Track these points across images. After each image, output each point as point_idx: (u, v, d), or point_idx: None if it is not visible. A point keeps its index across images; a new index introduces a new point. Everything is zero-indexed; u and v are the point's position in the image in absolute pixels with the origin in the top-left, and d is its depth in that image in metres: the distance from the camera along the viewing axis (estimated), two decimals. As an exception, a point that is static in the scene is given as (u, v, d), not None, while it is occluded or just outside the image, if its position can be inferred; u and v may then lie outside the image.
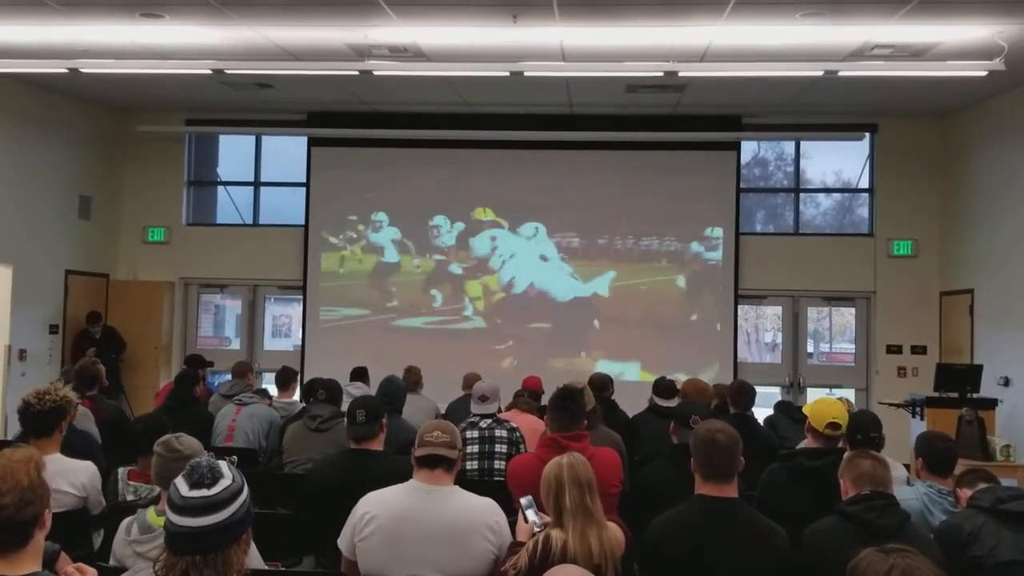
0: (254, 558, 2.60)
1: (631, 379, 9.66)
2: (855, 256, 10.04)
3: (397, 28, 6.87)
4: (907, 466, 4.66)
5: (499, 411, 4.99)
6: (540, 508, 2.91)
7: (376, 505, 3.01)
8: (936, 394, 7.53)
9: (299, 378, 8.01)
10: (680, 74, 7.35)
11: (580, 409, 3.80)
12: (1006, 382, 8.16)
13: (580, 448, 3.43)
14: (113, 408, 5.93)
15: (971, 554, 3.12)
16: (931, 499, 3.66)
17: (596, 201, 10.13)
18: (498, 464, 4.55)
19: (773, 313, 10.55)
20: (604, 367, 8.84)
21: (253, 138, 10.87)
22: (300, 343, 10.46)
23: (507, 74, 7.48)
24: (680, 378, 6.93)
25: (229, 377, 7.22)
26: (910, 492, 3.75)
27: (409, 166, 10.30)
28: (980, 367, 7.78)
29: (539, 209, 10.19)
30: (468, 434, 4.62)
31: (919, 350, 9.77)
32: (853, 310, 10.32)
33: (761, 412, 6.02)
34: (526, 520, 2.92)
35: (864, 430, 3.86)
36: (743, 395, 5.56)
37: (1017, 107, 8.36)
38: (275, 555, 3.60)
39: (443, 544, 2.91)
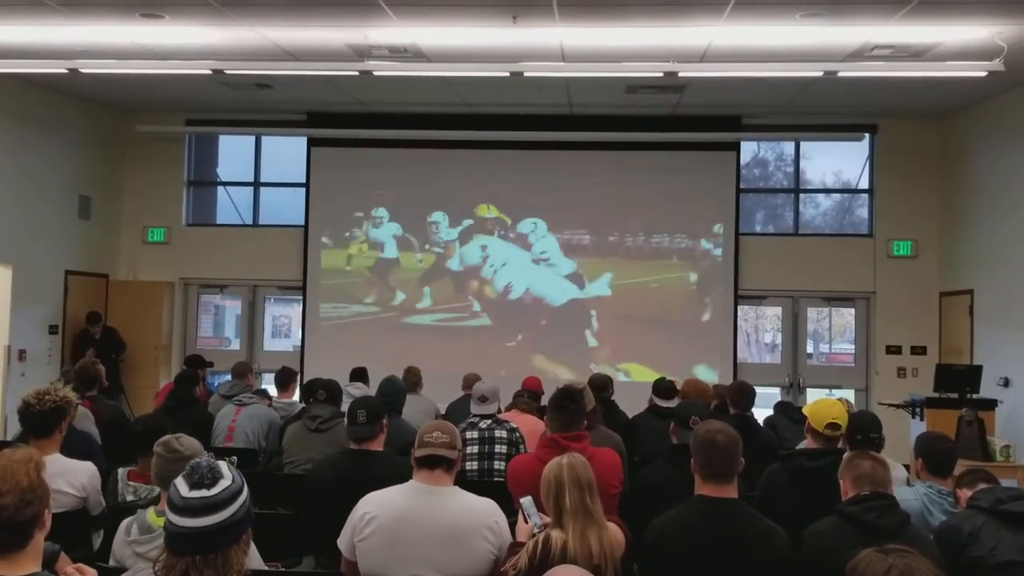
0: (254, 558, 2.60)
1: (624, 379, 9.68)
2: (855, 256, 10.04)
3: (397, 28, 6.87)
4: (907, 467, 4.66)
5: (499, 411, 4.99)
6: (540, 508, 2.91)
7: (376, 505, 3.01)
8: (936, 395, 7.53)
9: (299, 378, 8.01)
10: (680, 74, 7.35)
11: (580, 410, 3.80)
12: (1006, 383, 8.16)
13: (580, 448, 3.43)
14: (113, 408, 5.93)
15: (971, 554, 3.12)
16: (931, 500, 3.66)
17: (596, 201, 10.13)
18: (498, 464, 4.55)
19: (773, 313, 10.55)
20: (602, 368, 8.86)
21: (253, 138, 10.88)
22: (300, 343, 10.46)
23: (507, 74, 7.48)
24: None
25: (229, 377, 7.23)
26: (910, 493, 3.75)
27: (409, 167, 10.30)
28: (980, 368, 7.78)
29: (538, 209, 10.20)
30: (468, 435, 4.62)
31: (919, 351, 9.77)
32: (853, 310, 10.32)
33: (761, 413, 6.02)
34: (526, 520, 2.92)
35: (864, 431, 3.86)
36: (743, 396, 5.56)
37: (1017, 107, 8.36)
38: (275, 555, 3.60)
39: (443, 544, 2.91)
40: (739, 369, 9.83)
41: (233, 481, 2.12)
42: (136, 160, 10.68)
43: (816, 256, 10.07)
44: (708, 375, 9.37)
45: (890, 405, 7.97)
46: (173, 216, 10.76)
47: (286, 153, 10.84)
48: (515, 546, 2.86)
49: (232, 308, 11.07)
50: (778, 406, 6.57)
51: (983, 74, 6.99)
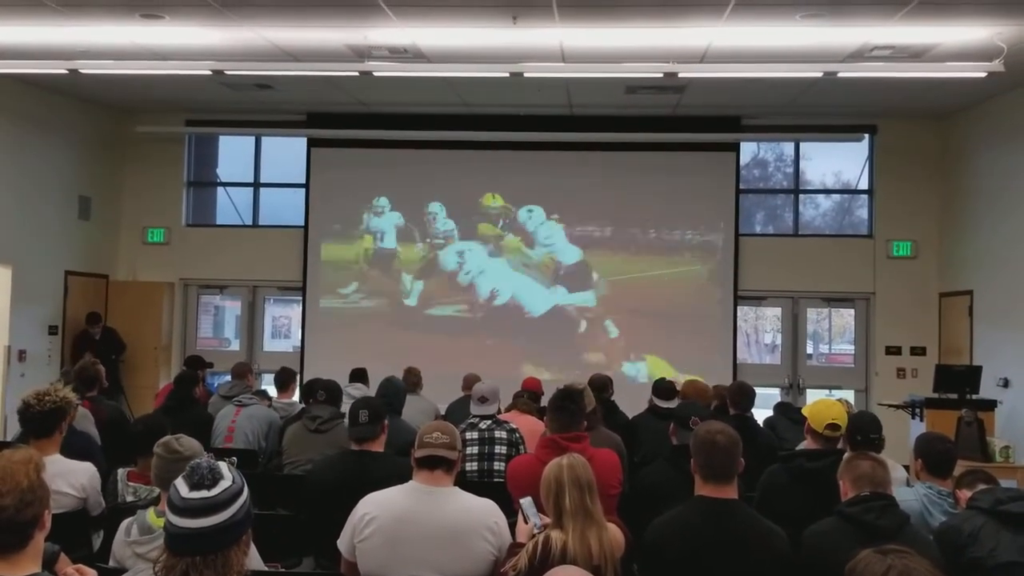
0: (254, 559, 2.60)
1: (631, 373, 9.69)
2: (854, 257, 10.04)
3: (397, 29, 6.87)
4: (906, 467, 4.67)
5: (499, 412, 4.99)
6: (540, 509, 2.91)
7: (376, 506, 3.01)
8: (935, 395, 7.53)
9: (298, 379, 8.01)
10: (680, 75, 7.35)
11: (580, 410, 3.80)
12: (1005, 383, 8.17)
13: (580, 449, 3.43)
14: (113, 409, 5.93)
15: (971, 555, 3.12)
16: (930, 500, 3.66)
17: (595, 202, 10.14)
18: (497, 465, 4.55)
19: (772, 314, 10.55)
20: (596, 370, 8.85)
21: (253, 139, 10.87)
22: (300, 344, 10.46)
23: (507, 75, 7.48)
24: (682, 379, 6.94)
25: (229, 378, 7.22)
26: (909, 493, 3.75)
27: (408, 167, 10.30)
28: (979, 368, 7.78)
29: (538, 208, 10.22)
30: (467, 435, 4.62)
31: (918, 351, 9.77)
32: (852, 311, 10.32)
33: (761, 413, 6.03)
34: (526, 521, 2.92)
35: (864, 431, 3.86)
36: (743, 396, 5.56)
37: (1016, 108, 8.36)
38: (275, 556, 3.61)
39: (443, 545, 2.92)
40: (739, 370, 9.83)
41: (233, 482, 2.12)
42: (136, 160, 10.68)
43: (816, 257, 10.07)
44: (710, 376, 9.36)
45: (890, 406, 7.97)
46: (173, 217, 10.76)
47: (286, 153, 10.84)
48: (515, 547, 2.86)
49: (232, 309, 11.07)
50: (778, 407, 6.58)
51: (983, 75, 7.00)
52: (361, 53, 7.41)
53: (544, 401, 5.20)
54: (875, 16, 6.41)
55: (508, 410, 5.44)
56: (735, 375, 9.50)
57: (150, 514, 2.89)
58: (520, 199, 10.23)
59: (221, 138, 11.24)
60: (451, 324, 10.20)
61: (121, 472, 3.88)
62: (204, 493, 2.06)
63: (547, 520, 2.84)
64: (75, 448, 4.04)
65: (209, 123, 10.56)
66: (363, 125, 10.11)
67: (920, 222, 9.89)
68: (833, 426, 3.92)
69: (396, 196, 10.38)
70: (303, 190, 10.52)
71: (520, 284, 10.17)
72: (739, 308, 10.07)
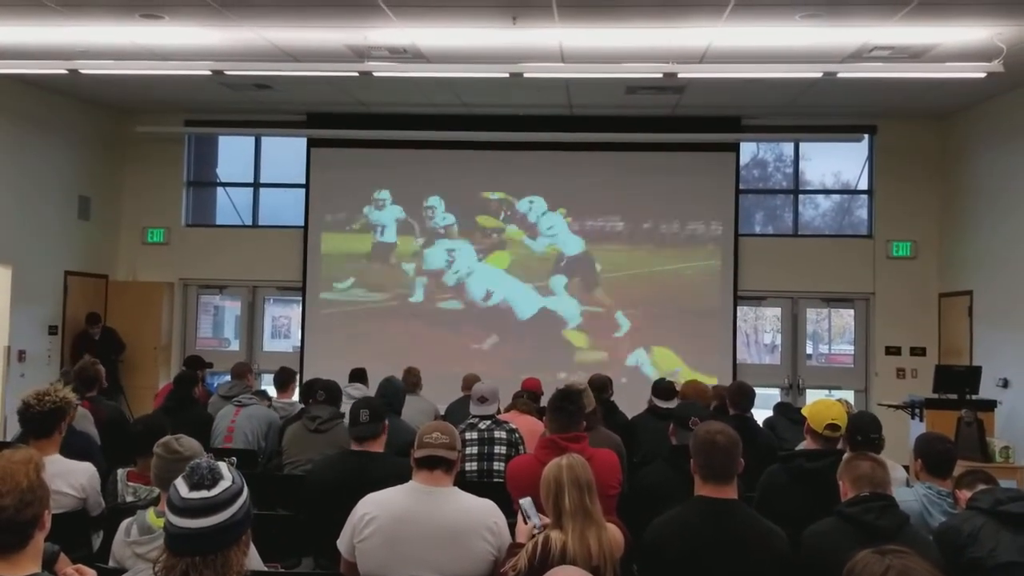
0: (253, 559, 2.60)
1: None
2: (854, 257, 10.05)
3: (396, 29, 6.87)
4: (906, 467, 4.67)
5: (498, 412, 4.99)
6: (539, 509, 2.92)
7: (375, 506, 3.01)
8: (935, 395, 7.53)
9: (298, 379, 8.01)
10: (679, 75, 7.35)
11: (579, 410, 3.80)
12: (1005, 383, 8.17)
13: (579, 449, 3.43)
14: (112, 409, 5.92)
15: (970, 555, 3.12)
16: (930, 500, 3.66)
17: (595, 202, 10.14)
18: (497, 465, 4.56)
19: (772, 314, 10.55)
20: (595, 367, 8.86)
21: (252, 139, 10.88)
22: (299, 344, 10.46)
23: (506, 75, 7.49)
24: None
25: (228, 378, 7.22)
26: (909, 493, 3.75)
27: (408, 167, 10.30)
28: (979, 368, 7.78)
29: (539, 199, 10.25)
30: (467, 435, 4.62)
31: (918, 351, 9.78)
32: (852, 311, 10.32)
33: (760, 413, 6.03)
34: (525, 521, 2.92)
35: (864, 431, 3.86)
36: (742, 396, 5.57)
37: (1016, 109, 8.37)
38: (274, 556, 3.61)
39: (442, 545, 2.92)
40: (738, 370, 9.83)
41: (233, 482, 2.12)
42: (136, 161, 10.68)
43: (815, 257, 10.08)
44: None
45: (889, 406, 7.96)
46: (172, 217, 10.76)
47: (285, 154, 10.85)
48: (514, 547, 2.86)
49: (231, 309, 11.07)
50: (777, 407, 6.58)
51: (982, 75, 7.00)
52: (361, 53, 7.42)
53: (544, 401, 5.20)
54: (875, 16, 6.41)
55: (508, 410, 5.44)
56: (735, 375, 9.51)
57: (150, 514, 2.89)
58: (520, 197, 10.24)
59: (221, 138, 11.24)
60: (452, 322, 10.20)
61: (121, 472, 3.88)
62: (204, 493, 2.06)
63: (546, 520, 2.84)
64: (75, 448, 4.04)
65: (209, 123, 10.55)
66: (363, 125, 10.11)
67: (920, 222, 9.89)
68: (833, 426, 3.92)
69: (396, 194, 10.38)
70: (303, 190, 10.52)
71: (510, 287, 10.17)
72: (739, 308, 10.08)
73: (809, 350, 10.45)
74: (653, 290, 10.02)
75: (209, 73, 7.73)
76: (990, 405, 7.38)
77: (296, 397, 6.81)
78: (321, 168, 10.46)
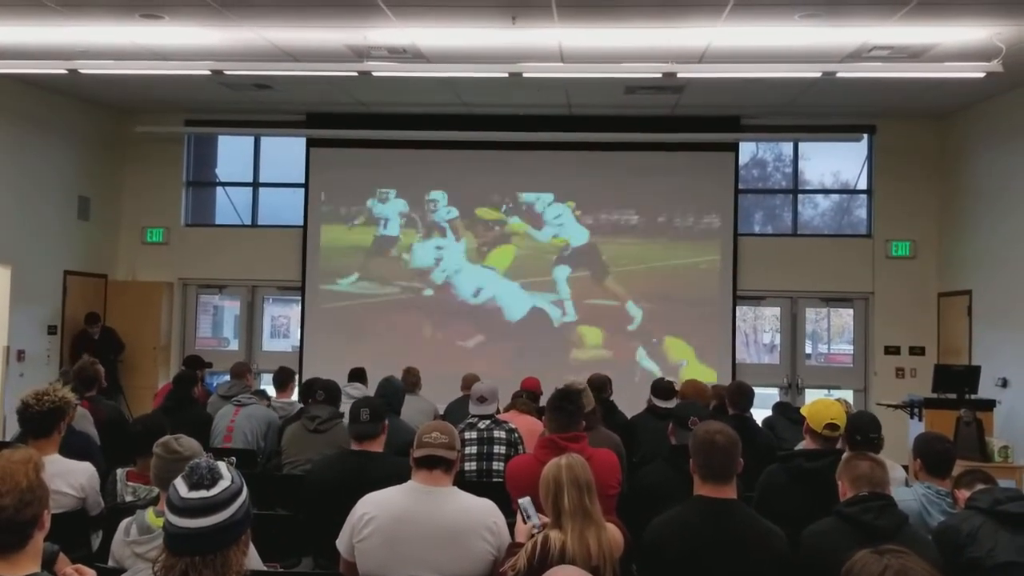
0: (253, 559, 2.60)
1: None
2: (853, 257, 10.05)
3: (396, 29, 6.87)
4: (905, 467, 4.67)
5: (498, 412, 5.00)
6: (539, 509, 2.92)
7: (375, 506, 3.01)
8: (934, 395, 7.53)
9: (297, 378, 8.01)
10: (679, 75, 7.36)
11: (578, 410, 3.80)
12: (1004, 383, 8.17)
13: (578, 449, 3.43)
14: (112, 409, 5.92)
15: (969, 555, 3.13)
16: (929, 500, 3.66)
17: (595, 202, 10.14)
18: (496, 465, 4.55)
19: (771, 314, 10.56)
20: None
21: (252, 139, 10.87)
22: (299, 344, 10.46)
23: (506, 75, 7.49)
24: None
25: (227, 378, 7.22)
26: (908, 493, 3.75)
27: (408, 167, 10.31)
28: (978, 368, 7.78)
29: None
30: (466, 435, 4.62)
31: (917, 351, 9.78)
32: (851, 311, 10.33)
33: (760, 413, 6.03)
34: (525, 521, 2.92)
35: (864, 431, 3.86)
36: (742, 396, 5.57)
37: (1015, 108, 8.37)
38: (274, 556, 3.61)
39: (442, 545, 2.92)
40: (738, 370, 9.84)
41: (232, 482, 2.12)
42: (135, 160, 10.68)
43: (815, 257, 10.08)
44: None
45: (888, 406, 7.96)
46: (172, 216, 10.76)
47: (285, 153, 10.85)
48: (514, 547, 2.86)
49: (231, 308, 11.07)
50: (777, 407, 6.58)
51: (981, 75, 7.00)
52: (360, 53, 7.41)
53: (543, 401, 5.20)
54: (874, 16, 6.41)
55: (507, 410, 5.45)
56: (734, 375, 9.51)
57: (149, 514, 2.89)
58: (523, 192, 10.26)
59: (220, 138, 11.24)
60: (453, 320, 10.20)
61: (120, 472, 3.88)
62: (203, 493, 2.06)
63: (546, 520, 2.84)
64: (74, 448, 4.03)
65: (208, 123, 10.55)
66: (362, 125, 10.11)
67: (919, 222, 9.89)
68: (832, 426, 3.93)
69: (398, 191, 10.40)
70: (302, 190, 10.52)
71: (502, 288, 10.18)
72: (738, 308, 10.08)
73: (808, 350, 10.45)
74: (653, 285, 10.02)
75: (209, 73, 7.73)
76: (989, 405, 7.38)
77: (295, 397, 6.81)
78: (320, 168, 10.47)
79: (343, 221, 10.40)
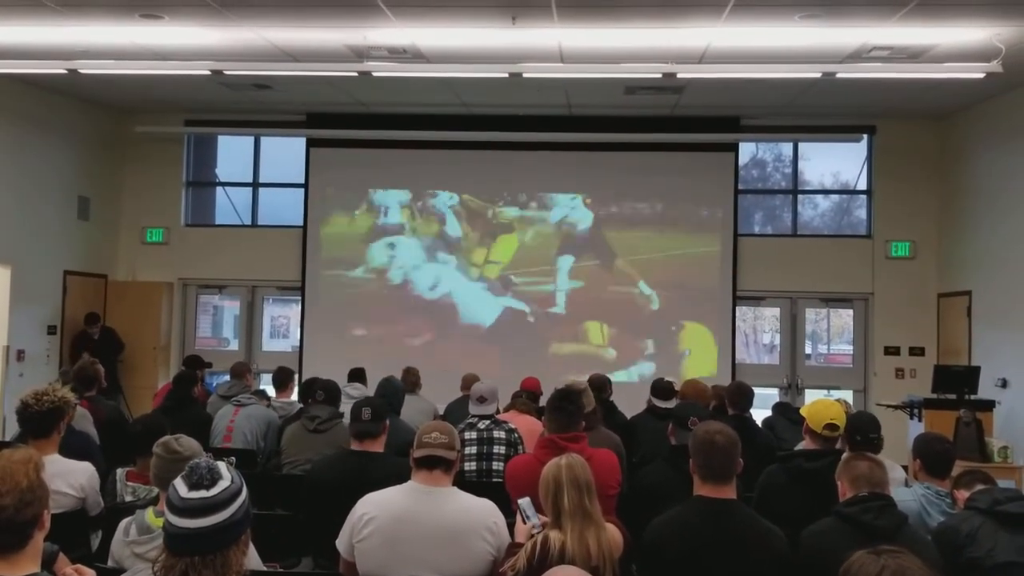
0: (253, 559, 2.60)
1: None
2: (853, 257, 10.05)
3: (396, 29, 6.87)
4: (905, 467, 4.67)
5: (497, 412, 5.00)
6: (538, 509, 2.92)
7: (375, 506, 3.01)
8: (934, 395, 7.54)
9: (296, 378, 8.01)
10: (678, 75, 7.35)
11: (578, 410, 3.80)
12: (1004, 384, 8.17)
13: (578, 449, 3.43)
14: (111, 409, 5.93)
15: (969, 555, 3.13)
16: (929, 500, 3.67)
17: (595, 202, 10.14)
18: (496, 465, 4.55)
19: (771, 314, 10.55)
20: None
21: (252, 139, 10.88)
22: (298, 344, 10.46)
23: (506, 75, 7.49)
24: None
25: (227, 378, 7.23)
26: (908, 493, 3.76)
27: (407, 167, 10.31)
28: (978, 369, 7.79)
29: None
30: (466, 435, 4.62)
31: (917, 352, 9.78)
32: (851, 311, 10.33)
33: (759, 413, 6.03)
34: (524, 521, 2.92)
35: (863, 431, 3.86)
36: (741, 396, 5.57)
37: (1015, 109, 8.37)
38: (274, 556, 3.61)
39: (441, 545, 2.92)
40: (737, 370, 9.84)
41: (232, 482, 2.12)
42: (135, 161, 10.68)
43: (814, 257, 10.08)
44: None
45: (888, 406, 7.97)
46: (172, 217, 10.76)
47: (285, 154, 10.85)
48: (514, 547, 2.86)
49: (231, 308, 11.07)
50: (776, 407, 6.58)
51: (981, 75, 7.00)
52: (360, 53, 7.42)
53: (543, 401, 5.20)
54: (874, 17, 6.42)
55: (507, 410, 5.45)
56: (734, 375, 9.51)
57: (149, 514, 2.89)
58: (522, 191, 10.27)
59: (220, 138, 11.24)
60: (454, 318, 10.21)
61: (120, 472, 3.88)
62: (203, 493, 2.06)
63: (546, 520, 2.84)
64: (74, 448, 4.04)
65: (208, 123, 10.55)
66: (362, 125, 10.11)
67: (919, 223, 9.90)
68: (831, 426, 3.93)
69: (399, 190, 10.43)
70: (302, 190, 10.52)
71: (466, 290, 10.19)
72: (738, 308, 10.08)
73: (808, 350, 10.45)
74: (656, 276, 10.08)
75: (209, 73, 7.73)
76: (989, 405, 7.38)
77: (295, 397, 6.81)
78: (320, 168, 10.47)
79: (343, 212, 10.40)
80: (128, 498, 3.78)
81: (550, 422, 3.79)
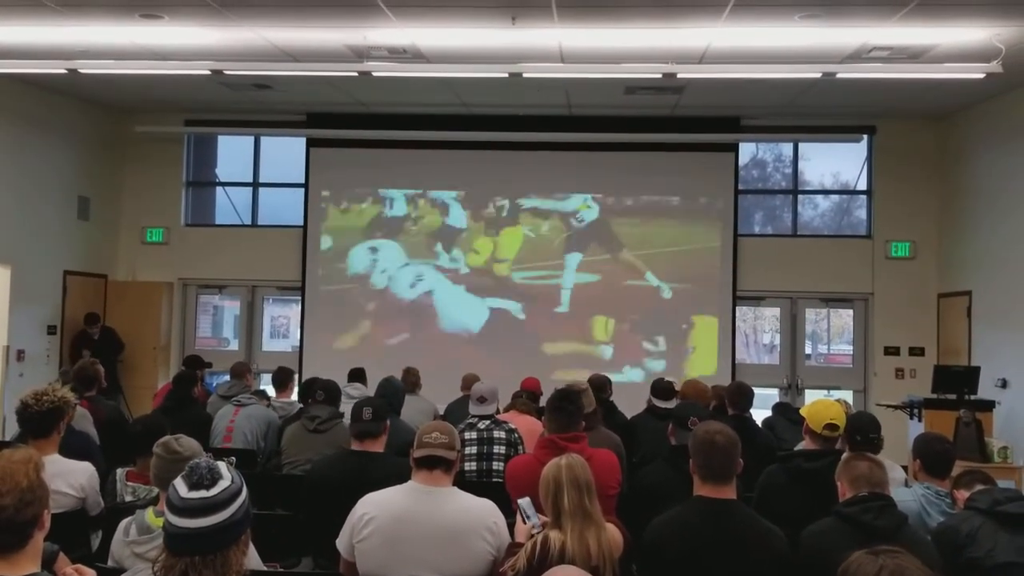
0: (253, 559, 2.60)
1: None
2: (853, 258, 10.05)
3: (396, 29, 6.87)
4: (905, 467, 4.67)
5: (497, 412, 5.00)
6: (538, 509, 2.92)
7: (375, 506, 3.01)
8: (934, 396, 7.53)
9: (296, 378, 8.01)
10: (679, 75, 7.35)
11: (578, 410, 3.80)
12: (1004, 384, 8.17)
13: (578, 449, 3.43)
14: (111, 409, 5.93)
15: (968, 555, 3.13)
16: (928, 501, 3.67)
17: (596, 202, 10.15)
18: (496, 465, 4.55)
19: (771, 314, 10.56)
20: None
21: (252, 139, 10.88)
22: (298, 344, 10.46)
23: (506, 75, 7.49)
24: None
25: (227, 378, 7.23)
26: (907, 494, 3.76)
27: (407, 167, 10.31)
28: (978, 369, 7.79)
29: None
30: (466, 435, 4.62)
31: (917, 352, 9.78)
32: (851, 312, 10.33)
33: (759, 414, 6.03)
34: (524, 521, 2.92)
35: (864, 431, 3.87)
36: (741, 396, 5.57)
37: (1015, 109, 8.37)
38: (274, 556, 3.61)
39: (442, 545, 2.92)
40: (737, 370, 9.84)
41: (232, 482, 2.12)
42: (135, 161, 10.68)
43: (814, 257, 10.08)
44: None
45: (888, 406, 7.97)
46: (172, 216, 10.76)
47: (285, 154, 10.85)
48: (514, 547, 2.86)
49: (231, 308, 11.07)
50: (776, 407, 6.59)
51: (981, 76, 7.00)
52: (360, 53, 7.42)
53: (543, 401, 5.20)
54: (874, 17, 6.42)
55: (507, 410, 5.45)
56: (734, 375, 9.51)
57: (149, 514, 2.89)
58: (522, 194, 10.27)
59: (220, 138, 11.24)
60: (453, 318, 10.21)
61: (120, 472, 3.89)
62: (203, 493, 2.07)
63: (546, 520, 2.84)
64: (74, 448, 4.04)
65: (208, 123, 10.55)
66: (362, 125, 10.11)
67: (919, 223, 9.90)
68: (831, 426, 3.93)
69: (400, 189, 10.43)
70: (302, 190, 10.52)
71: (452, 294, 10.20)
72: (738, 308, 10.08)
73: (808, 350, 10.45)
74: (648, 293, 10.05)
75: (208, 73, 7.73)
76: (989, 405, 7.38)
77: (295, 397, 6.81)
78: (320, 168, 10.47)
79: (347, 205, 10.39)
80: (128, 498, 3.78)
81: (550, 422, 3.79)
